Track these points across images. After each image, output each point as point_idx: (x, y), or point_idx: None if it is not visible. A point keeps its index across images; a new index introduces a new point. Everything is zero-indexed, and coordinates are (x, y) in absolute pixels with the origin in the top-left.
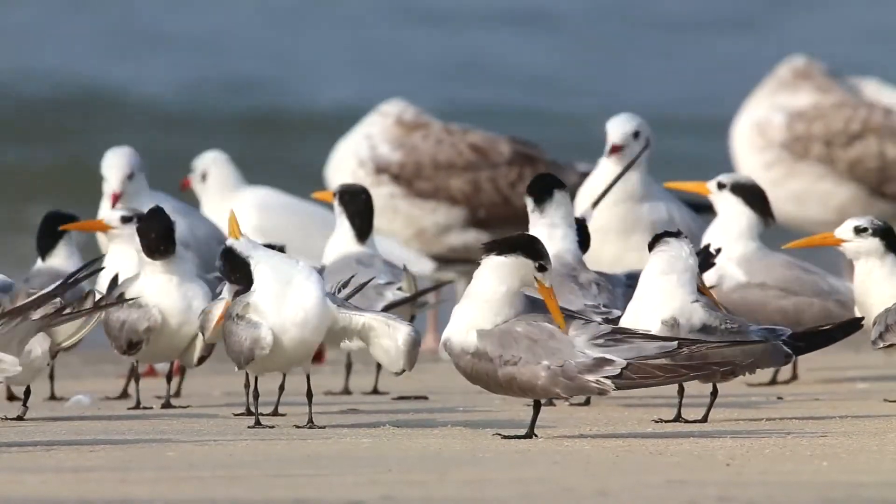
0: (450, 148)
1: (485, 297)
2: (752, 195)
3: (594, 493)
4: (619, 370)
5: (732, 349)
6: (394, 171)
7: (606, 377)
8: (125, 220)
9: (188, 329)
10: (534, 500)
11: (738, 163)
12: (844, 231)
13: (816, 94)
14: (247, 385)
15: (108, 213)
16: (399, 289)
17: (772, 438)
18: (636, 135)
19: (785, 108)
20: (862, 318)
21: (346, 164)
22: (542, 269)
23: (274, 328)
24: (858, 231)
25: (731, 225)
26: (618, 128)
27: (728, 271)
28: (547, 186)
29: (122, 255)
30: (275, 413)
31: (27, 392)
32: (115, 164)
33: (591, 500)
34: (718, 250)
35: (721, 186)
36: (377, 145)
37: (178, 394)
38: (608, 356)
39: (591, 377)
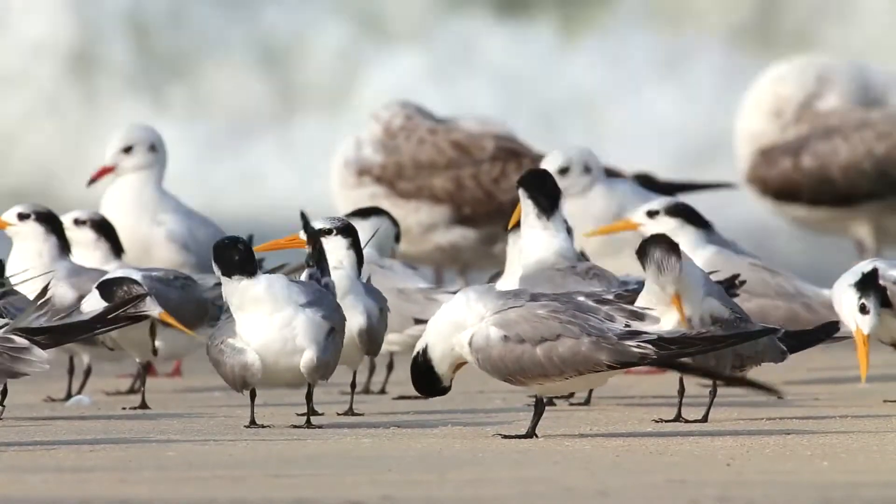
0: (431, 147)
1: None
2: (688, 212)
3: (594, 493)
4: (655, 337)
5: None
6: (376, 173)
7: (646, 341)
8: (22, 216)
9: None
10: (534, 499)
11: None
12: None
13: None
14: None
15: (7, 211)
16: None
17: (772, 438)
18: None
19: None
20: (837, 322)
21: (335, 164)
22: None
23: None
24: (651, 214)
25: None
26: None
27: None
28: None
29: (21, 252)
30: (349, 412)
31: (4, 391)
32: (116, 135)
33: (592, 500)
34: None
35: (653, 214)
36: (362, 147)
37: (132, 390)
38: (638, 328)
39: (631, 342)
